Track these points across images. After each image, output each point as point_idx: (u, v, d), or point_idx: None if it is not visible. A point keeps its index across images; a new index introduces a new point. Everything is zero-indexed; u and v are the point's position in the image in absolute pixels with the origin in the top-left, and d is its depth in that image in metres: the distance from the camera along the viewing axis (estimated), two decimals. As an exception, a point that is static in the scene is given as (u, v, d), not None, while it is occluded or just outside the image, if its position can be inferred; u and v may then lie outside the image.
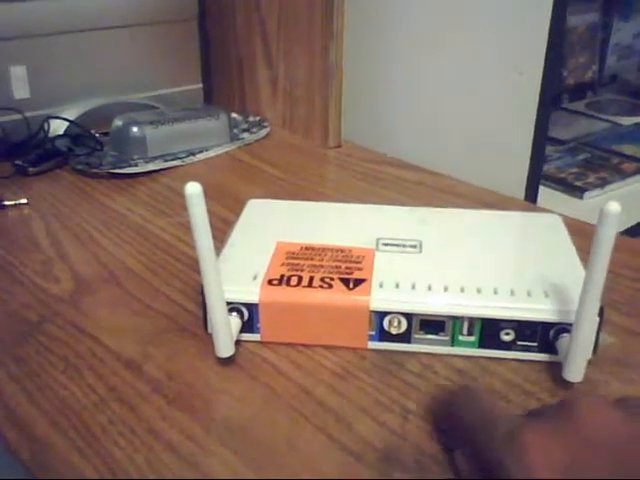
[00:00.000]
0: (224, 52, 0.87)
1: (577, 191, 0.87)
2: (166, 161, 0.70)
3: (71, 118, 0.73)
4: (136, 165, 0.69)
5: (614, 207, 0.32)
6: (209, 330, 0.41)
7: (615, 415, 0.27)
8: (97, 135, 0.73)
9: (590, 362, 0.38)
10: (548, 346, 0.40)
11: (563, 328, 0.39)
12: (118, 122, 0.72)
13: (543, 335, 0.39)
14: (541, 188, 0.74)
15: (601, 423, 0.27)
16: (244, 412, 0.37)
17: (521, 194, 0.72)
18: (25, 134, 0.71)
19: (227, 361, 0.40)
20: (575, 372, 0.37)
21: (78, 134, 0.73)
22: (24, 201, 0.62)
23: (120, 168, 0.68)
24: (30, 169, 0.68)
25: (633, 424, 0.27)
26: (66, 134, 0.72)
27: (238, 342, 0.41)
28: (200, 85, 0.87)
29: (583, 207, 0.85)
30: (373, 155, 0.74)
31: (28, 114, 0.71)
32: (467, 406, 0.33)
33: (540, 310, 0.39)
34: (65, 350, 0.42)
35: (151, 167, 0.69)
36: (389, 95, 0.81)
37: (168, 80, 0.83)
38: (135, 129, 0.71)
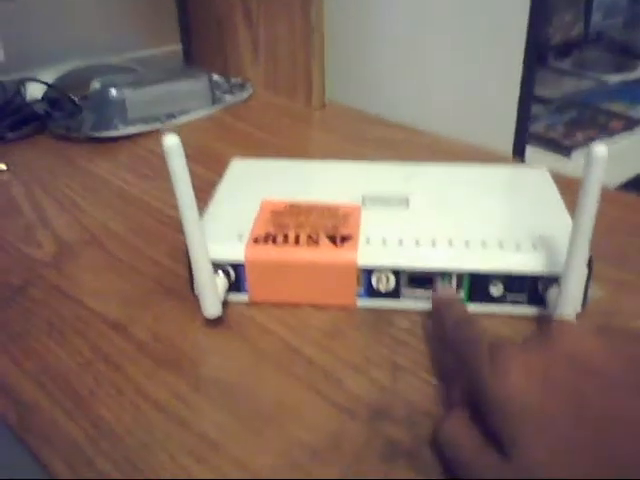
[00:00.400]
0: (203, 12, 0.84)
1: (565, 150, 0.87)
2: (147, 124, 0.69)
3: (48, 81, 0.71)
4: (116, 128, 0.67)
5: (600, 149, 0.31)
6: (195, 291, 0.40)
7: (593, 336, 0.28)
8: (76, 99, 0.71)
9: (580, 315, 0.38)
10: (537, 299, 0.39)
11: (552, 280, 0.38)
12: (96, 85, 0.70)
13: (532, 288, 0.39)
14: (529, 147, 0.74)
15: (578, 340, 0.28)
16: (232, 371, 0.36)
17: (509, 153, 0.72)
18: (1, 99, 0.69)
19: (215, 322, 0.39)
20: (564, 324, 0.37)
21: (56, 98, 0.71)
22: (3, 167, 0.61)
23: (100, 132, 0.66)
24: (8, 135, 0.66)
25: (609, 346, 0.27)
26: (44, 98, 0.70)
27: (226, 303, 0.40)
28: (179, 46, 0.85)
29: (571, 165, 0.85)
30: (358, 115, 0.73)
31: (3, 78, 0.69)
32: (464, 324, 0.34)
33: (528, 262, 0.39)
34: (49, 313, 0.41)
35: (131, 130, 0.67)
36: (374, 56, 0.80)
37: (146, 41, 0.81)
38: (114, 91, 0.69)
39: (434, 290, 0.40)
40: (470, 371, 0.29)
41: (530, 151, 0.75)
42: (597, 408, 0.25)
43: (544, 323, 0.30)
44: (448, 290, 0.40)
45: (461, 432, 0.29)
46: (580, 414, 0.25)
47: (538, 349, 0.28)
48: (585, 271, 0.37)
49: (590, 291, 0.39)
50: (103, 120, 0.69)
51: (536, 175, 0.49)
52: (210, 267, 0.38)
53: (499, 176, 0.50)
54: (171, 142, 0.34)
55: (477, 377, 0.28)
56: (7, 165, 0.61)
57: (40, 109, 0.69)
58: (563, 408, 0.25)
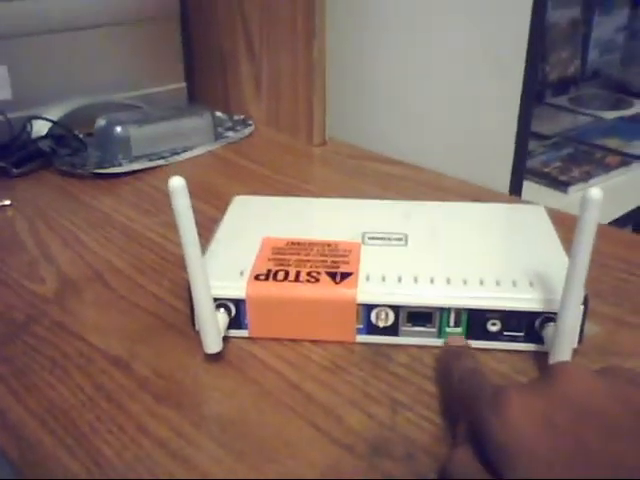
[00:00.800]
0: (207, 50, 0.86)
1: (561, 185, 0.88)
2: (150, 160, 0.70)
3: (54, 119, 0.73)
4: (120, 165, 0.68)
5: (596, 193, 0.32)
6: (197, 327, 0.41)
7: (593, 378, 0.28)
8: (81, 135, 0.73)
9: (576, 351, 0.39)
10: (534, 335, 0.40)
11: (549, 317, 0.39)
12: (101, 122, 0.71)
13: (529, 325, 0.40)
14: (526, 183, 0.75)
15: (578, 382, 0.28)
16: (233, 408, 0.37)
17: (506, 189, 0.73)
18: (8, 135, 0.70)
19: (215, 357, 0.40)
20: (561, 361, 0.37)
21: (61, 135, 0.72)
22: (8, 202, 0.62)
23: (104, 168, 0.67)
24: (13, 170, 0.67)
25: (609, 389, 0.27)
26: (49, 135, 0.72)
27: (226, 338, 0.41)
28: (183, 84, 0.86)
29: (567, 201, 0.86)
30: (358, 151, 0.75)
31: (10, 115, 0.70)
32: (456, 369, 0.35)
33: (525, 300, 0.39)
34: (52, 350, 0.42)
35: (135, 167, 0.68)
36: (373, 92, 0.81)
37: (151, 79, 0.83)
38: (119, 129, 0.70)
39: (445, 341, 0.41)
40: (473, 412, 0.30)
41: (527, 186, 0.76)
42: (596, 453, 0.25)
43: (545, 365, 0.30)
44: (458, 340, 0.40)
45: (468, 468, 0.29)
46: (579, 459, 0.25)
47: (539, 392, 0.28)
48: (581, 309, 0.38)
49: (586, 328, 0.40)
50: (108, 157, 0.70)
51: (532, 212, 0.50)
52: (212, 303, 0.39)
53: (496, 214, 0.51)
54: (177, 183, 0.34)
55: (480, 419, 0.28)
56: (12, 201, 0.62)
57: (45, 146, 0.70)
58: (563, 452, 0.26)
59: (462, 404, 0.33)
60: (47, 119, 0.72)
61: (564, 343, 0.37)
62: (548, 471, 0.25)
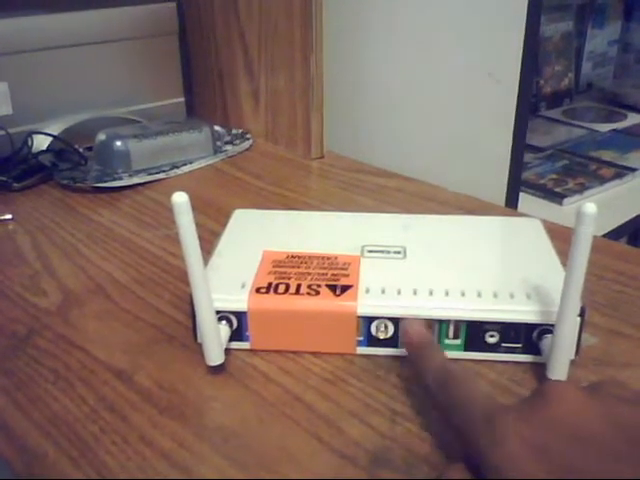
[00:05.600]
0: (205, 66, 0.87)
1: (556, 197, 0.89)
2: (150, 174, 0.71)
3: (54, 133, 0.73)
4: (120, 179, 0.69)
5: (590, 208, 0.33)
6: (199, 339, 0.41)
7: (584, 398, 0.28)
8: (81, 150, 0.73)
9: (573, 362, 0.39)
10: (532, 347, 0.40)
11: (546, 329, 0.39)
12: (102, 136, 0.72)
13: (527, 336, 0.40)
14: (521, 195, 0.76)
15: (569, 403, 0.28)
16: (236, 419, 0.37)
17: (501, 201, 0.73)
18: (9, 150, 0.71)
19: (217, 369, 0.40)
20: (558, 372, 0.38)
21: (62, 149, 0.73)
22: (9, 216, 0.62)
23: (104, 182, 0.68)
24: (14, 185, 0.68)
25: (601, 410, 0.28)
26: (50, 149, 0.72)
27: (228, 350, 0.41)
28: (182, 99, 0.87)
29: (563, 213, 0.86)
30: (355, 165, 0.75)
31: (11, 130, 0.71)
32: (448, 384, 0.34)
33: (523, 312, 0.40)
34: (55, 362, 0.42)
35: (135, 180, 0.69)
36: (369, 106, 0.82)
37: (150, 95, 0.84)
38: (119, 143, 0.71)
39: (404, 329, 0.40)
40: (467, 437, 0.30)
41: (522, 198, 0.76)
42: (588, 476, 0.26)
43: (542, 376, 0.31)
44: (419, 329, 0.39)
45: None
46: None
47: (531, 416, 0.28)
48: (577, 321, 0.39)
49: (583, 339, 0.40)
50: (108, 171, 0.71)
51: (529, 225, 0.51)
52: (214, 316, 0.39)
53: (493, 226, 0.52)
54: (180, 199, 0.35)
55: (475, 445, 0.29)
56: (13, 214, 0.62)
57: (46, 160, 0.71)
58: (556, 477, 0.26)
59: (448, 414, 0.33)
60: (47, 134, 0.73)
61: (561, 354, 0.38)
62: None
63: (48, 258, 0.55)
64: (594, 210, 0.33)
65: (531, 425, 0.28)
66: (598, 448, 0.26)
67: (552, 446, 0.27)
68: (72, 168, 0.71)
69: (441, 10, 0.73)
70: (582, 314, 0.39)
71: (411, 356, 0.39)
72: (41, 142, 0.73)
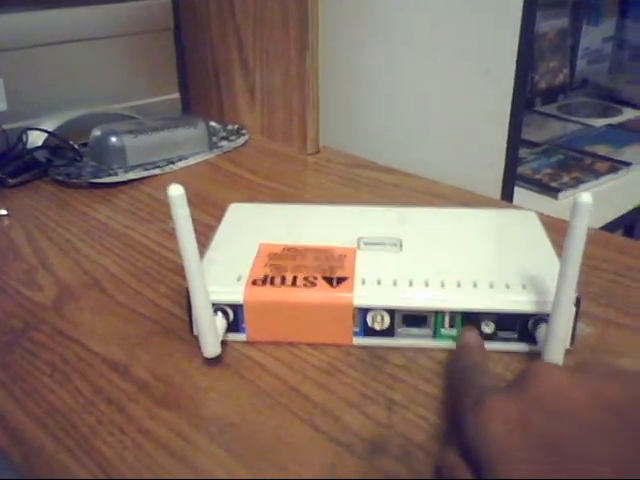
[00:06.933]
0: (201, 61, 0.87)
1: (552, 191, 0.89)
2: (146, 170, 0.70)
3: (49, 129, 0.73)
4: (116, 174, 0.69)
5: (586, 198, 0.33)
6: (195, 332, 0.41)
7: (565, 376, 0.29)
8: (76, 146, 0.73)
9: (569, 352, 0.39)
10: (527, 336, 0.41)
11: (541, 318, 0.40)
12: (97, 132, 0.72)
13: (522, 326, 0.40)
14: (517, 189, 0.76)
15: (550, 382, 0.28)
16: (232, 409, 0.37)
17: (497, 195, 0.73)
18: (4, 146, 0.71)
19: (214, 361, 0.40)
20: (554, 361, 0.38)
21: (57, 145, 0.73)
22: (4, 212, 0.62)
23: (100, 178, 0.68)
24: (9, 180, 0.68)
25: (584, 388, 0.28)
26: (45, 145, 0.72)
27: (224, 342, 0.41)
28: (178, 95, 0.87)
29: (558, 207, 0.87)
30: (351, 159, 0.75)
31: (6, 126, 0.71)
32: (460, 364, 0.36)
33: (518, 302, 0.40)
34: (51, 355, 0.42)
35: (131, 176, 0.69)
36: (365, 102, 0.82)
37: (146, 90, 0.84)
38: (114, 139, 0.71)
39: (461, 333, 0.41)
40: (457, 413, 0.31)
41: (518, 192, 0.77)
42: (571, 452, 0.26)
43: (526, 366, 0.31)
44: (472, 335, 0.40)
45: (456, 469, 0.29)
46: (552, 458, 0.26)
47: (513, 394, 0.29)
48: (573, 310, 0.39)
49: (578, 328, 0.40)
50: (103, 166, 0.71)
51: (525, 217, 0.51)
52: (210, 309, 0.39)
53: (488, 219, 0.52)
54: (176, 192, 0.35)
55: (460, 421, 0.29)
56: (8, 210, 0.62)
57: (41, 156, 0.71)
58: (536, 453, 0.26)
59: (452, 400, 0.34)
60: (42, 130, 0.73)
61: (556, 344, 0.38)
62: (521, 471, 0.26)
63: (44, 253, 0.55)
64: (589, 200, 0.33)
65: (514, 404, 0.28)
66: (578, 423, 0.27)
67: (532, 423, 0.27)
68: (67, 164, 0.71)
69: (437, 7, 0.73)
70: (577, 303, 0.39)
71: (456, 350, 0.40)
72: (36, 138, 0.72)
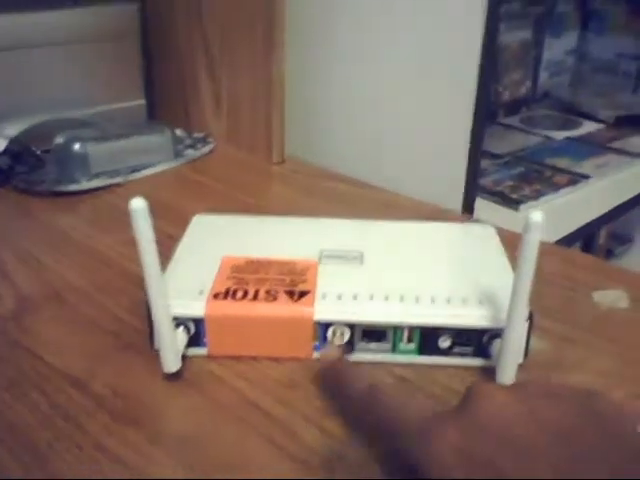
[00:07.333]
0: (167, 68, 0.87)
1: (513, 203, 0.91)
2: (109, 178, 0.70)
3: (11, 135, 0.72)
4: (79, 182, 0.68)
5: (537, 216, 0.34)
6: (155, 346, 0.41)
7: (503, 396, 0.29)
8: (38, 152, 0.72)
9: (522, 366, 0.40)
10: (483, 351, 0.42)
11: (496, 333, 0.41)
12: (60, 139, 0.71)
13: (477, 341, 0.41)
14: (478, 200, 0.77)
15: (491, 405, 0.29)
16: (191, 425, 0.37)
17: (459, 206, 0.75)
18: (-37, 152, 0.70)
19: (174, 376, 0.40)
20: (507, 375, 0.39)
21: (19, 151, 0.72)
22: (-37, 220, 0.61)
23: (63, 186, 0.67)
24: (-31, 188, 0.67)
25: (518, 404, 0.29)
26: (6, 151, 0.71)
27: (185, 357, 0.41)
28: (143, 101, 0.87)
29: (519, 218, 0.88)
30: (315, 170, 0.76)
31: (-34, 132, 0.70)
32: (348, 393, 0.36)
33: (474, 317, 0.41)
34: (8, 369, 0.42)
35: (94, 184, 0.69)
36: (328, 113, 0.83)
37: (110, 96, 0.83)
38: (77, 146, 0.70)
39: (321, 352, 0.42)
40: (401, 447, 0.31)
41: (480, 204, 0.78)
42: (508, 471, 0.27)
43: (468, 388, 0.32)
44: (332, 352, 0.41)
45: None
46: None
47: (458, 420, 0.29)
48: (525, 325, 0.40)
49: (532, 343, 0.41)
50: (66, 174, 0.70)
51: (483, 232, 0.52)
52: (171, 323, 0.39)
53: (448, 233, 0.53)
54: (138, 205, 0.35)
55: (409, 454, 0.30)
56: (-33, 218, 0.62)
57: (2, 163, 0.70)
58: (479, 475, 0.27)
59: (380, 432, 0.34)
60: (3, 136, 0.72)
61: (510, 358, 0.39)
62: None
63: (3, 263, 0.54)
64: (541, 218, 0.34)
65: (458, 429, 0.29)
66: (519, 448, 0.27)
67: (474, 447, 0.28)
68: (29, 171, 0.70)
69: (403, 17, 0.74)
70: (530, 318, 0.40)
71: (325, 376, 0.40)
72: (-3, 144, 0.71)
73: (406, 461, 0.30)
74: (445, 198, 0.71)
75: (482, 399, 0.29)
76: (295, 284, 0.44)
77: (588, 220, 0.91)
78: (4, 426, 0.37)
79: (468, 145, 0.74)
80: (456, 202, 0.75)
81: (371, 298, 0.43)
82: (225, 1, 0.77)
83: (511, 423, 0.28)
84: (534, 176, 1.00)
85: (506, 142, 1.15)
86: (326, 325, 0.42)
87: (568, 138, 1.18)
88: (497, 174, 1.01)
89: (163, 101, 0.89)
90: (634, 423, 0.28)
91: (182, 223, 0.53)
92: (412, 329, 0.42)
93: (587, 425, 0.28)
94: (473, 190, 0.76)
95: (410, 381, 0.41)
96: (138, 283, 0.49)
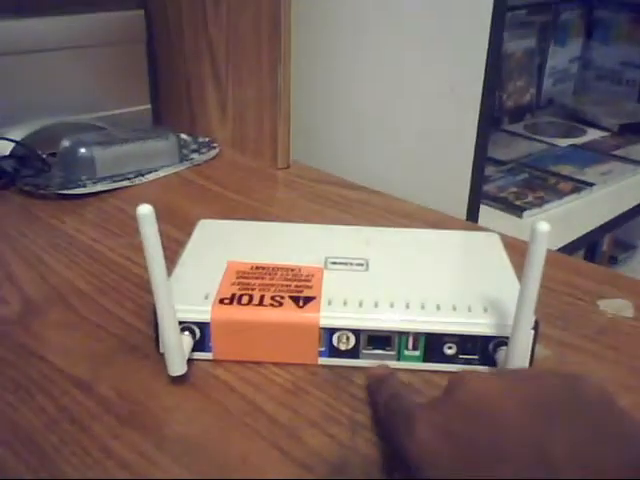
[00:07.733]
0: (173, 73, 0.87)
1: (517, 210, 0.91)
2: (115, 182, 0.70)
3: (17, 139, 0.72)
4: (84, 186, 0.69)
5: (543, 226, 0.34)
6: (161, 350, 0.41)
7: (482, 379, 0.31)
8: (44, 156, 0.73)
9: (527, 373, 0.40)
10: (488, 359, 0.42)
11: (502, 341, 0.41)
12: (66, 143, 0.72)
13: (483, 348, 0.41)
14: (482, 207, 0.77)
15: (471, 387, 0.30)
16: (197, 429, 0.37)
17: (463, 213, 0.75)
18: (-31, 155, 0.70)
19: (179, 380, 0.41)
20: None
21: (25, 155, 0.72)
22: (-31, 222, 0.61)
23: (68, 189, 0.68)
24: (-25, 190, 0.67)
25: (503, 390, 0.30)
26: (12, 155, 0.72)
27: (190, 361, 0.42)
28: (149, 106, 0.87)
29: (522, 225, 0.88)
30: (320, 175, 0.76)
31: (-28, 135, 0.70)
32: (379, 397, 0.37)
33: (480, 324, 0.41)
34: (15, 372, 0.42)
35: (99, 188, 0.69)
36: (336, 119, 0.83)
37: (116, 101, 0.83)
38: (83, 150, 0.71)
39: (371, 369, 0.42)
40: (394, 440, 0.32)
41: (483, 210, 0.78)
42: (485, 450, 0.27)
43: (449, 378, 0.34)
44: (381, 367, 0.41)
45: None
46: (475, 460, 0.27)
47: (441, 404, 0.31)
48: (531, 333, 0.40)
49: (536, 351, 0.42)
50: (72, 178, 0.70)
51: (488, 240, 0.52)
52: (177, 327, 0.39)
53: (453, 241, 0.53)
54: (145, 211, 0.35)
55: (398, 442, 0.31)
56: (-27, 220, 0.62)
57: (8, 166, 0.70)
58: (462, 458, 0.28)
59: (386, 432, 0.35)
60: (9, 139, 0.72)
61: (515, 366, 0.39)
62: (442, 471, 0.28)
63: (9, 266, 0.54)
64: (546, 228, 0.34)
65: (441, 412, 0.30)
66: (492, 422, 0.28)
67: (457, 427, 0.29)
68: (35, 175, 0.70)
69: (407, 26, 0.74)
70: (536, 327, 0.40)
71: (369, 384, 0.40)
72: (3, 147, 0.72)
73: (399, 454, 0.31)
74: (449, 204, 0.71)
75: (465, 384, 0.30)
76: (300, 290, 0.44)
77: (592, 227, 0.91)
78: (10, 429, 0.37)
79: (473, 152, 0.74)
80: (460, 208, 0.75)
81: (376, 305, 0.43)
82: (231, 8, 0.77)
83: (488, 400, 0.29)
84: (538, 183, 1.00)
85: (510, 149, 1.15)
86: (331, 331, 0.42)
87: (572, 145, 1.18)
88: (501, 181, 1.01)
89: (169, 106, 0.89)
90: (614, 404, 0.29)
91: (187, 227, 0.53)
92: (417, 336, 0.42)
93: (567, 403, 0.28)
94: (477, 196, 0.76)
95: (413, 387, 0.41)
96: (143, 286, 0.50)
